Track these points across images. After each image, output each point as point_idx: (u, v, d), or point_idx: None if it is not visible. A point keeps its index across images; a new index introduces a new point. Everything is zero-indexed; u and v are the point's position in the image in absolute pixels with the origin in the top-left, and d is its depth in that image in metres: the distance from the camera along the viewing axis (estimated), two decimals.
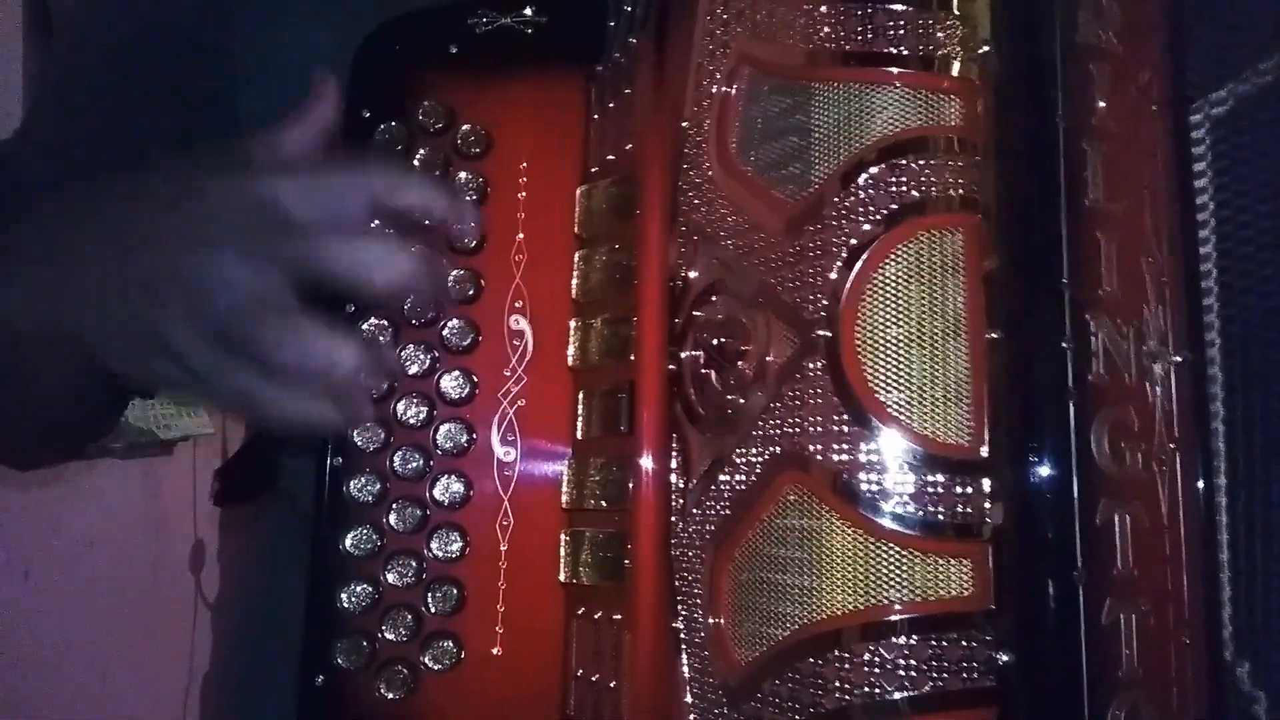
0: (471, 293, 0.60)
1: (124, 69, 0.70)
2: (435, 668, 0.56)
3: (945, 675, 0.39)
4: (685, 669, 0.48)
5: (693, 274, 0.51)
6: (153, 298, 0.46)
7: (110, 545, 1.92)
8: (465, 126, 0.60)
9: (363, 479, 0.57)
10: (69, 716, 1.80)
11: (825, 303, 0.43)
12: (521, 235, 0.61)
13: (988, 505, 0.40)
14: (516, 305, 0.61)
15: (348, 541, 0.57)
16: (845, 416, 0.41)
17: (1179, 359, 0.44)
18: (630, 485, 0.52)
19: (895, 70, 0.43)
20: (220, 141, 0.65)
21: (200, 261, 0.45)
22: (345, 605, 0.56)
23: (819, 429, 0.42)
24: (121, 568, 1.93)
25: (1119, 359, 0.42)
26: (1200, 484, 0.44)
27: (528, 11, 0.62)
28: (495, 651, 0.57)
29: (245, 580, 0.80)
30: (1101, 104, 0.43)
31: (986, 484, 0.40)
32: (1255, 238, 0.46)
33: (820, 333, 0.42)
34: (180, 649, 1.74)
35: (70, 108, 0.71)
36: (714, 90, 0.50)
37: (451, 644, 0.57)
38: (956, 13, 0.43)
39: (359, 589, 0.57)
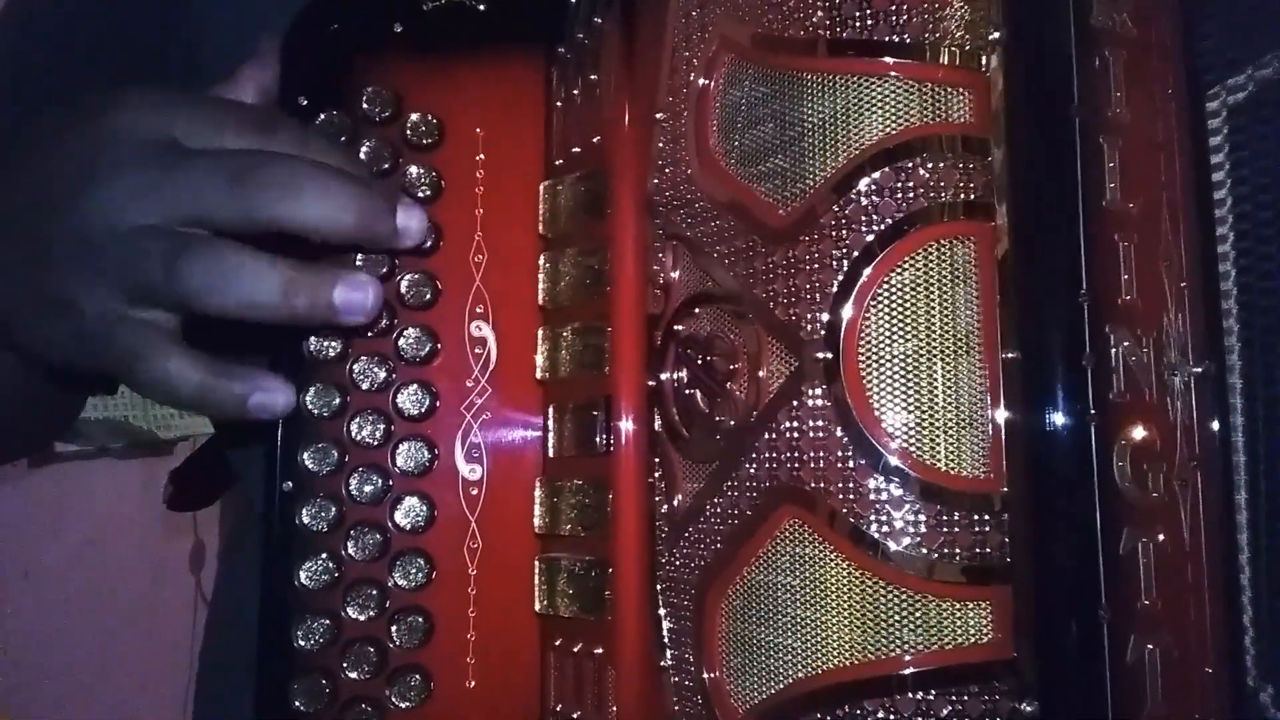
0: (429, 297, 0.55)
1: (89, 36, 0.67)
2: (403, 705, 0.53)
3: None
4: (674, 712, 0.44)
5: (673, 281, 0.47)
6: (48, 263, 0.42)
7: (110, 545, 1.91)
8: (414, 115, 0.55)
9: (316, 505, 0.53)
10: (69, 716, 1.78)
11: (825, 318, 0.39)
12: (480, 234, 0.56)
13: (1006, 541, 0.37)
14: (478, 310, 0.56)
15: (302, 575, 0.52)
16: (850, 450, 0.37)
17: (1199, 370, 0.41)
18: (609, 511, 0.48)
19: (895, 61, 0.38)
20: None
21: (83, 210, 0.41)
22: (301, 643, 0.52)
23: (820, 462, 0.38)
24: (121, 568, 1.92)
25: (1139, 374, 0.39)
26: (1222, 502, 0.41)
27: None
28: (469, 684, 0.54)
29: (243, 579, 0.77)
30: (1118, 94, 0.40)
31: (1005, 520, 0.37)
32: (1276, 235, 0.43)
33: (820, 355, 0.38)
34: (180, 649, 1.73)
35: (35, 78, 0.67)
36: (691, 78, 0.46)
37: (420, 678, 0.53)
38: None
39: (316, 625, 0.52)
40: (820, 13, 0.40)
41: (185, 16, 0.66)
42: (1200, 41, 0.44)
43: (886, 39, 0.38)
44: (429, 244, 0.55)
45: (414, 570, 0.54)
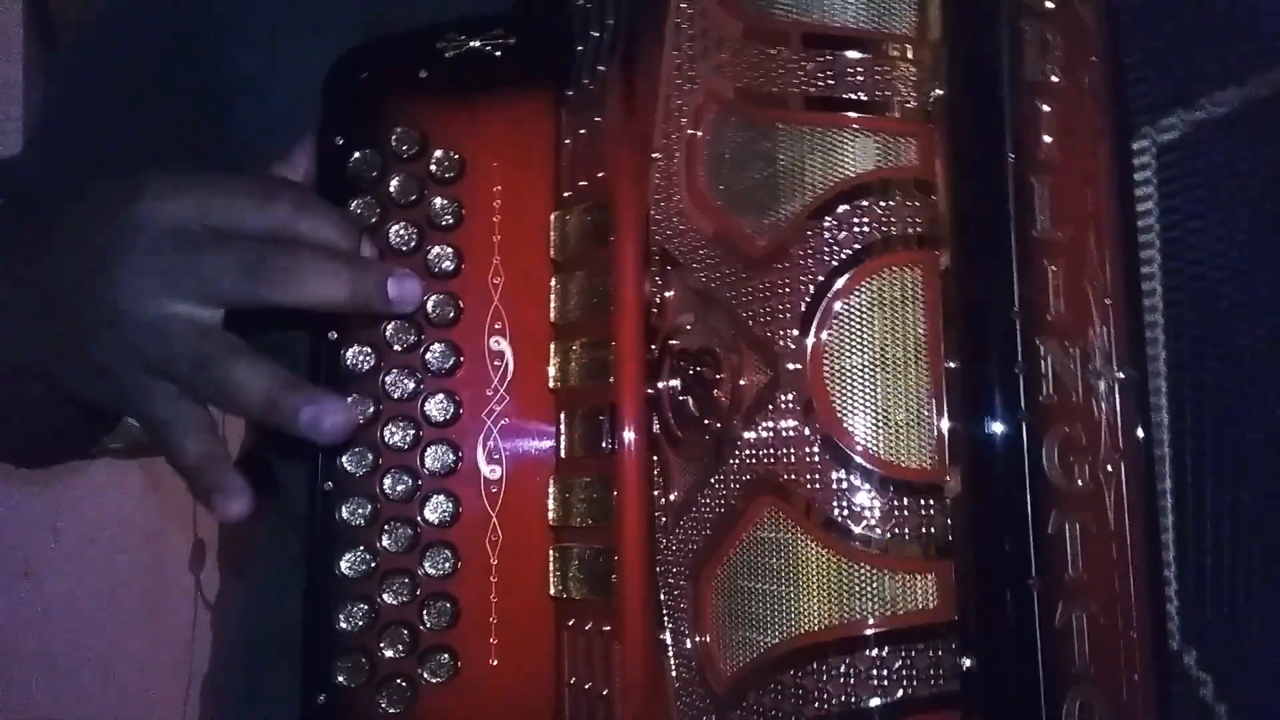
0: (452, 316, 0.61)
1: (125, 79, 0.72)
2: (433, 680, 0.58)
3: (915, 682, 0.42)
4: (674, 679, 0.51)
5: (669, 300, 0.53)
6: (85, 335, 0.49)
7: (110, 545, 1.91)
8: (438, 152, 0.61)
9: (354, 503, 0.59)
10: (69, 716, 1.80)
11: (795, 334, 0.45)
12: (498, 258, 0.63)
13: (949, 523, 0.43)
14: (496, 327, 0.62)
15: (343, 565, 0.58)
16: (817, 447, 0.44)
17: (1122, 375, 0.47)
18: (614, 504, 0.54)
19: (855, 115, 0.45)
20: (212, 153, 0.67)
21: (117, 291, 0.47)
22: (343, 626, 0.58)
23: (792, 459, 0.45)
24: (121, 568, 1.92)
25: (1066, 379, 0.45)
26: (1145, 488, 0.47)
27: (497, 32, 0.63)
28: (492, 662, 0.60)
29: (245, 580, 0.82)
30: (1048, 139, 0.46)
31: (949, 504, 0.43)
32: (1203, 258, 0.49)
33: (791, 366, 0.45)
34: (180, 649, 1.74)
35: (74, 120, 0.73)
36: (683, 123, 0.52)
37: (448, 657, 0.59)
38: (910, 58, 0.45)
39: (356, 609, 0.58)
40: (792, 73, 0.46)
41: (221, 75, 0.70)
42: (1132, 86, 0.51)
43: (847, 96, 0.45)
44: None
45: (442, 560, 0.60)
